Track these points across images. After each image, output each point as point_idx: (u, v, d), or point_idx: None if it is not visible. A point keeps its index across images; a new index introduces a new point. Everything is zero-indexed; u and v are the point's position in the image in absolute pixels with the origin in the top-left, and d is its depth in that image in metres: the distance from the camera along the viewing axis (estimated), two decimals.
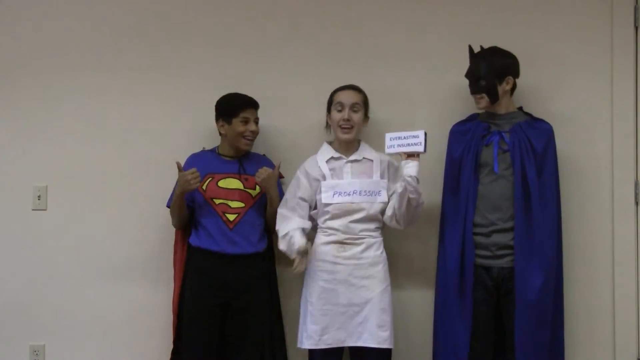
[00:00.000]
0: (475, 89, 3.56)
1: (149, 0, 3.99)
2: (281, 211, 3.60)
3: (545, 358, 3.46)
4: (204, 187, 3.62)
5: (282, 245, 3.54)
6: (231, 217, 3.60)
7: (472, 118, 3.67)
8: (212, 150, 3.74)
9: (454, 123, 3.70)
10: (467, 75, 3.59)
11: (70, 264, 3.96)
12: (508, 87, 3.58)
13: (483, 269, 3.49)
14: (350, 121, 3.57)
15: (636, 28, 3.82)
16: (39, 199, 3.97)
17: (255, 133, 3.66)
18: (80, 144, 3.97)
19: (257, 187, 3.64)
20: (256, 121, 3.67)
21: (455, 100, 3.80)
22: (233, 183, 3.64)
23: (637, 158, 3.81)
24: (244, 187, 3.64)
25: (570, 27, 3.84)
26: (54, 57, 3.98)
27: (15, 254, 3.98)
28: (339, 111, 3.59)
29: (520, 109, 3.66)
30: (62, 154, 3.98)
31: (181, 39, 3.97)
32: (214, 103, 3.70)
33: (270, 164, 3.72)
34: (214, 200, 3.61)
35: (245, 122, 3.63)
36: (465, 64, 3.63)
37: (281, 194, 3.69)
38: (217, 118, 3.67)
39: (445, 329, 3.54)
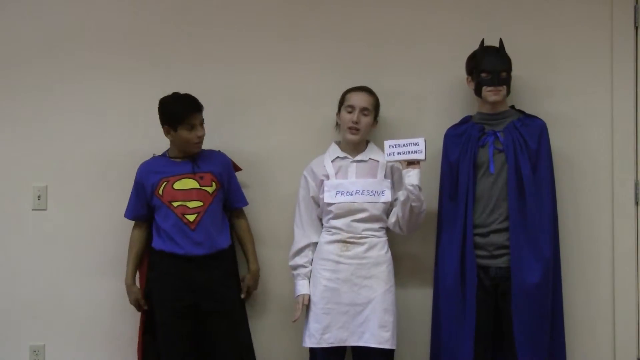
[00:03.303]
0: (498, 81, 3.52)
1: None
2: (295, 230, 3.66)
3: (545, 356, 3.46)
4: (160, 192, 3.61)
5: (290, 264, 3.66)
6: (191, 217, 3.59)
7: (466, 120, 3.67)
8: (163, 155, 3.72)
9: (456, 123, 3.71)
10: (488, 68, 3.53)
11: (70, 264, 3.96)
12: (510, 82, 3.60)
13: (481, 269, 3.50)
14: (359, 124, 3.58)
15: (636, 28, 3.82)
16: (39, 199, 3.97)
17: (202, 137, 3.62)
18: (80, 144, 3.97)
19: (214, 184, 3.64)
20: (202, 123, 3.62)
21: (459, 100, 3.80)
22: (189, 183, 3.62)
23: (637, 158, 3.81)
24: (200, 186, 3.62)
25: (570, 27, 3.84)
26: (55, 57, 3.98)
27: (15, 254, 3.97)
28: (349, 112, 3.59)
29: (513, 107, 3.66)
30: (62, 154, 3.97)
31: (184, 38, 3.96)
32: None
33: (225, 159, 3.74)
34: (172, 203, 3.59)
35: (192, 128, 3.58)
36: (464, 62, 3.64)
37: (237, 186, 3.75)
38: (162, 123, 3.62)
39: (447, 331, 3.52)
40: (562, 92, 3.82)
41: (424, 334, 3.72)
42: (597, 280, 3.80)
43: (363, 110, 3.59)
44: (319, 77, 3.89)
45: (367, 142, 3.68)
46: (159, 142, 3.85)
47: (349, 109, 3.59)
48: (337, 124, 3.71)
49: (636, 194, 3.79)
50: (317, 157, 3.71)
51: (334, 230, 3.57)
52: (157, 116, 3.85)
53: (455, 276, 3.49)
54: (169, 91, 3.71)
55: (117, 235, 3.90)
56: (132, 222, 3.78)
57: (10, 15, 4.00)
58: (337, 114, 3.69)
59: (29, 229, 3.97)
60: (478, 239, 3.50)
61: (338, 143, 3.70)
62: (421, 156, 3.44)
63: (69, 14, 4.00)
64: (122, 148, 3.95)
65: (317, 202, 3.64)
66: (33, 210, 3.97)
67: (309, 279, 3.60)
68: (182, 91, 3.65)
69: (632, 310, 3.78)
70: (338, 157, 3.64)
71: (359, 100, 3.60)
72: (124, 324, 3.91)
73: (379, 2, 3.93)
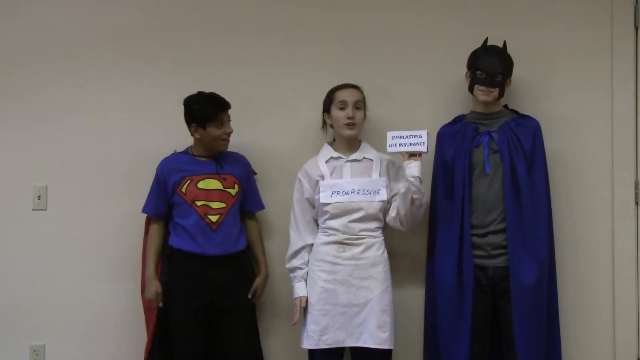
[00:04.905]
0: (491, 82, 3.51)
1: None
2: (291, 232, 3.65)
3: (544, 355, 3.46)
4: (183, 190, 3.61)
5: (287, 267, 3.65)
6: (214, 218, 3.60)
7: (459, 119, 3.66)
8: (186, 152, 3.72)
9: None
10: (483, 68, 3.52)
11: (70, 264, 3.96)
12: (509, 87, 3.58)
13: (478, 269, 3.49)
14: (354, 119, 3.58)
15: (636, 28, 3.82)
16: (39, 199, 3.97)
17: (230, 133, 3.64)
18: (80, 144, 3.97)
19: (236, 186, 3.65)
20: (229, 120, 3.65)
21: (454, 97, 3.79)
22: (212, 184, 3.63)
23: (637, 158, 3.80)
24: (224, 187, 3.63)
25: (570, 27, 3.84)
26: (54, 56, 3.98)
27: (15, 254, 3.98)
28: (342, 109, 3.59)
29: (506, 107, 3.66)
30: (62, 154, 3.98)
31: (184, 37, 3.96)
32: None
33: (245, 162, 3.76)
34: (195, 202, 3.60)
35: (221, 125, 3.60)
36: (462, 60, 3.63)
37: (254, 190, 3.77)
38: (189, 122, 3.62)
39: (444, 331, 3.52)
40: (562, 92, 3.82)
41: (421, 333, 3.72)
42: (597, 280, 3.79)
43: (356, 105, 3.59)
44: (316, 78, 3.87)
45: (360, 142, 3.68)
46: (159, 142, 3.88)
47: (342, 106, 3.59)
48: (324, 125, 3.70)
49: (636, 194, 3.79)
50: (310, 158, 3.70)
51: (330, 231, 3.57)
52: (158, 116, 3.88)
53: (452, 276, 3.48)
54: (167, 91, 3.72)
55: (118, 235, 3.92)
56: (133, 222, 3.79)
57: (10, 15, 4.00)
58: (323, 114, 3.68)
59: (29, 229, 3.97)
60: (476, 239, 3.50)
61: (330, 143, 3.69)
62: (423, 149, 3.43)
63: (69, 14, 4.00)
64: (122, 148, 3.95)
65: (312, 203, 3.63)
66: (33, 210, 3.97)
67: (306, 280, 3.61)
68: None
69: (632, 310, 3.78)
70: (332, 157, 3.63)
71: (350, 95, 3.60)
72: (124, 324, 3.92)
73: (376, 3, 3.93)
